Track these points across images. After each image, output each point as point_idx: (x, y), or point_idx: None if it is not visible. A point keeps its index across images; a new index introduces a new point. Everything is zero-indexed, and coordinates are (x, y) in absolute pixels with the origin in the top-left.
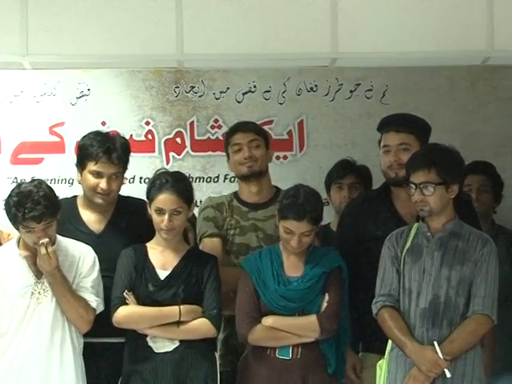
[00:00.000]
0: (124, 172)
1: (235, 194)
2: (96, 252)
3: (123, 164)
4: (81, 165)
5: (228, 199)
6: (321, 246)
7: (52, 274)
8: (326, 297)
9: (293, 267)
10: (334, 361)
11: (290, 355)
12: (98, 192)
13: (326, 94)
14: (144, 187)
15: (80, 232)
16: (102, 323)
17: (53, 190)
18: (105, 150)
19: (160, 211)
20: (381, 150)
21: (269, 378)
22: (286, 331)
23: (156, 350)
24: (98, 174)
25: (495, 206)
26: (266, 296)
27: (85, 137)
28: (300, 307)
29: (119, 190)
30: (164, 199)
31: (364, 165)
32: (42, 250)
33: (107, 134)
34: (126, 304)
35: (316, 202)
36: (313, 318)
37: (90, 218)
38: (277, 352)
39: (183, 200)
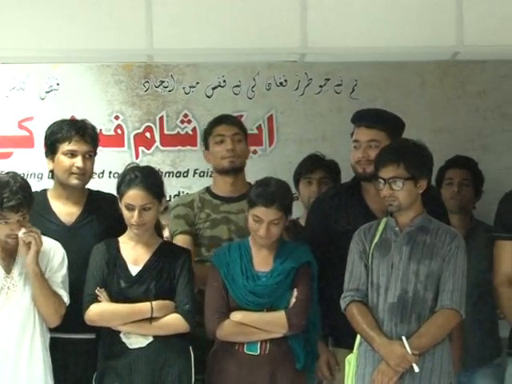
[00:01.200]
0: (95, 154)
1: (208, 189)
2: (67, 244)
3: (94, 144)
4: (52, 150)
5: (200, 194)
6: (290, 241)
7: (34, 265)
8: (295, 292)
9: (262, 262)
10: (303, 357)
11: (258, 351)
12: (73, 172)
13: (296, 89)
14: (113, 182)
15: (51, 223)
16: (71, 319)
17: (28, 182)
18: (77, 128)
19: (130, 207)
20: (352, 144)
21: (237, 373)
22: (255, 327)
23: (130, 346)
24: (72, 154)
25: (475, 201)
26: (235, 291)
27: (51, 125)
28: (268, 303)
29: (92, 173)
30: (133, 195)
31: (333, 159)
32: (32, 233)
33: (76, 119)
34: (98, 301)
35: (286, 192)
36: (281, 314)
37: (62, 210)
38: (245, 348)
39: (153, 196)
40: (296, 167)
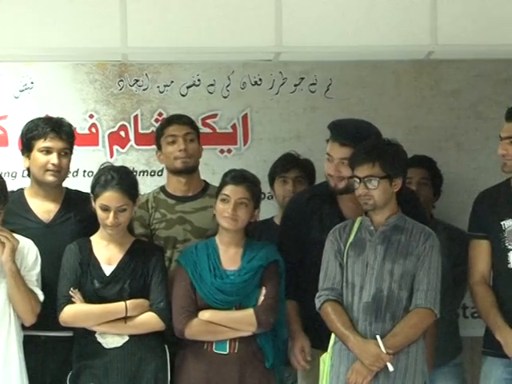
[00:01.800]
0: (71, 152)
1: (162, 188)
2: (45, 241)
3: (70, 142)
4: (28, 148)
5: (154, 194)
6: (257, 241)
7: (11, 263)
8: (263, 290)
9: (230, 260)
10: (272, 355)
11: (227, 350)
12: (48, 169)
13: (271, 88)
14: (88, 180)
15: (29, 221)
16: (48, 316)
17: (1, 177)
18: (52, 125)
19: (105, 208)
20: (326, 155)
21: (206, 372)
22: (223, 325)
23: (105, 346)
24: (47, 151)
25: (434, 201)
26: (203, 289)
27: (27, 123)
28: (237, 301)
29: (68, 170)
30: (109, 197)
31: (308, 159)
32: (3, 233)
33: (52, 117)
34: (72, 302)
35: (255, 180)
36: (249, 312)
37: (40, 208)
38: (214, 347)
39: (128, 197)
40: (271, 166)
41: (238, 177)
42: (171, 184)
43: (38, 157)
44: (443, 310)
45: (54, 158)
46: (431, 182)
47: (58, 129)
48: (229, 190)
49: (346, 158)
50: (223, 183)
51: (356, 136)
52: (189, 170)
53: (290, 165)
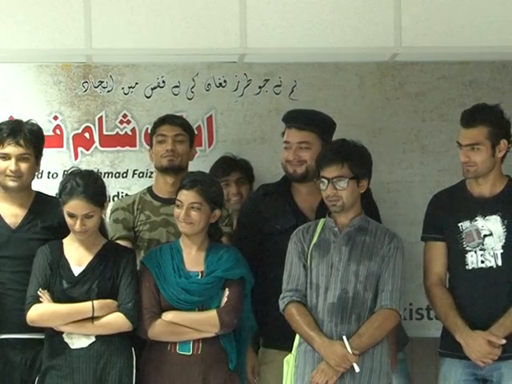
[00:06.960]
0: (36, 156)
1: (149, 189)
2: (12, 247)
3: (32, 146)
4: None
5: (141, 195)
6: (220, 244)
7: None
8: (227, 292)
9: (192, 262)
10: (236, 356)
11: (191, 351)
12: (7, 175)
13: (235, 90)
14: (52, 182)
15: None
16: (15, 320)
17: None
18: (9, 132)
19: (72, 215)
20: (283, 144)
21: (170, 373)
22: (187, 326)
23: (72, 346)
24: (6, 157)
25: None
26: (167, 291)
27: None
28: (200, 302)
29: (32, 173)
30: (75, 205)
31: (244, 159)
32: None
33: (16, 120)
34: (40, 302)
35: (210, 182)
36: (213, 313)
37: (7, 212)
38: (177, 348)
39: (94, 204)
40: (209, 171)
41: (189, 181)
42: (158, 184)
43: None
44: None
45: (11, 165)
46: None
47: (14, 135)
48: (181, 195)
49: (304, 141)
50: (178, 188)
51: (311, 119)
52: (174, 169)
53: (230, 168)
